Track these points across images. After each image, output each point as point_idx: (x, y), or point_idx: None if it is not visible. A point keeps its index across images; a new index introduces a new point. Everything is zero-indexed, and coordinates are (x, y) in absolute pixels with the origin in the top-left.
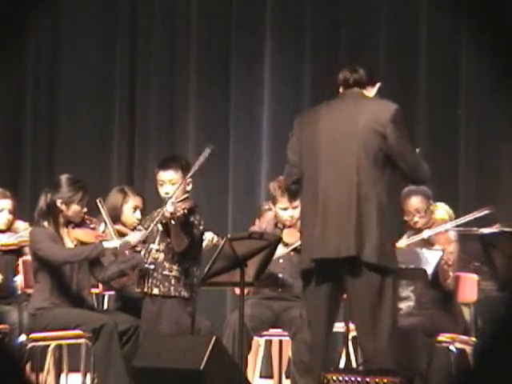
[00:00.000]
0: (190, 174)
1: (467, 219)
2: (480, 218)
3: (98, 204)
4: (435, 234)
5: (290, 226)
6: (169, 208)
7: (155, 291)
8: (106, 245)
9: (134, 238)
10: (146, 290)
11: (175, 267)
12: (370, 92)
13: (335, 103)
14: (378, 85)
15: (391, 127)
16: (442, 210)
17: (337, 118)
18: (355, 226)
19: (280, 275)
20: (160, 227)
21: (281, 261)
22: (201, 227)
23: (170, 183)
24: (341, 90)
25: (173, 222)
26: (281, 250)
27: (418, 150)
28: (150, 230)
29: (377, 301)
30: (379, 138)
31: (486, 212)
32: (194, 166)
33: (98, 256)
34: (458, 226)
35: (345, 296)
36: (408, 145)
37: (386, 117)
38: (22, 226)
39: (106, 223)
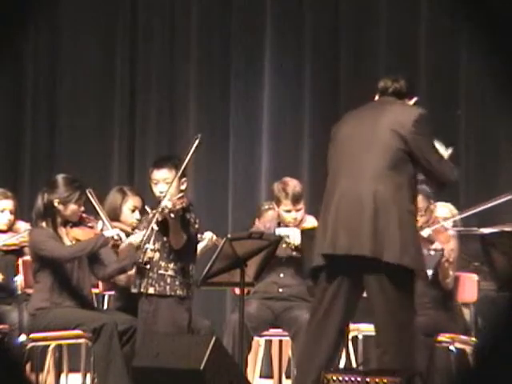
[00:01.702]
0: (182, 167)
1: (489, 205)
2: (481, 219)
3: (89, 195)
4: (433, 230)
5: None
6: (167, 203)
7: (151, 290)
8: (106, 234)
9: (135, 238)
10: (141, 290)
11: (171, 266)
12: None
13: (366, 107)
14: (415, 99)
15: (412, 130)
16: (446, 208)
17: (361, 121)
18: (371, 227)
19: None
20: (155, 227)
21: (283, 260)
22: (196, 226)
23: (164, 182)
24: (377, 97)
25: (172, 215)
26: (296, 238)
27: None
28: (150, 226)
29: (389, 301)
30: (399, 139)
31: (509, 197)
32: (184, 158)
33: (103, 246)
34: (479, 212)
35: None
36: (432, 147)
37: (409, 119)
38: (23, 226)
39: (100, 216)
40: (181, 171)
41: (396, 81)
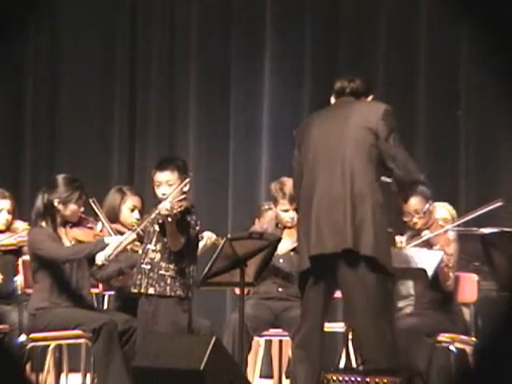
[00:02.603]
0: (170, 195)
1: (479, 213)
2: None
3: (92, 204)
4: (434, 236)
5: (290, 227)
6: (166, 206)
7: (151, 291)
8: (106, 240)
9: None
10: (142, 290)
11: (171, 267)
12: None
13: (329, 108)
14: (371, 97)
15: (381, 124)
16: (444, 209)
17: (329, 122)
18: (350, 221)
19: (280, 260)
20: (157, 227)
21: (281, 260)
22: (197, 227)
23: (167, 184)
24: (333, 99)
25: (169, 219)
26: (287, 245)
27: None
28: (136, 232)
29: (371, 298)
30: (371, 135)
31: (498, 204)
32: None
33: (100, 252)
34: (469, 220)
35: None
36: (397, 144)
37: (377, 114)
38: (21, 226)
39: (102, 222)
40: (180, 176)
41: (352, 81)
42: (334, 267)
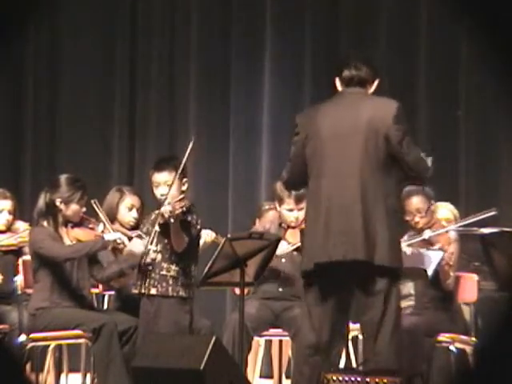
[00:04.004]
0: (179, 170)
1: (472, 220)
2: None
3: (94, 205)
4: (436, 235)
5: (294, 227)
6: (167, 207)
7: (153, 291)
8: (106, 237)
9: (136, 247)
10: (143, 290)
11: (173, 267)
12: (370, 89)
13: (337, 102)
14: (377, 82)
15: (395, 128)
16: (446, 209)
17: (339, 118)
18: (363, 230)
19: (283, 260)
20: (157, 228)
21: (283, 260)
22: (198, 226)
23: (165, 184)
24: (340, 86)
25: (172, 220)
26: (284, 247)
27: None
28: (153, 235)
29: (384, 302)
30: (383, 139)
31: (492, 213)
32: (181, 161)
33: (101, 250)
34: (461, 226)
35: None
36: (410, 144)
37: (389, 117)
38: (22, 226)
39: (104, 223)
40: (179, 174)
41: (359, 69)
42: (344, 273)
